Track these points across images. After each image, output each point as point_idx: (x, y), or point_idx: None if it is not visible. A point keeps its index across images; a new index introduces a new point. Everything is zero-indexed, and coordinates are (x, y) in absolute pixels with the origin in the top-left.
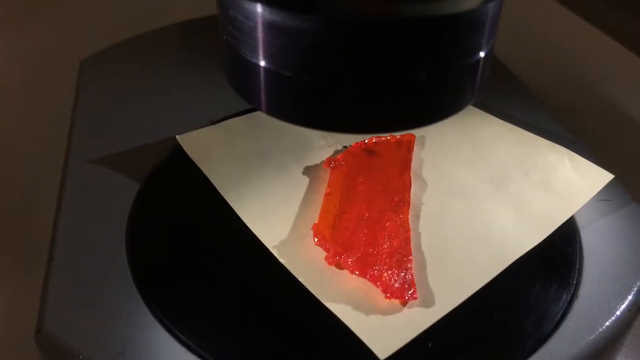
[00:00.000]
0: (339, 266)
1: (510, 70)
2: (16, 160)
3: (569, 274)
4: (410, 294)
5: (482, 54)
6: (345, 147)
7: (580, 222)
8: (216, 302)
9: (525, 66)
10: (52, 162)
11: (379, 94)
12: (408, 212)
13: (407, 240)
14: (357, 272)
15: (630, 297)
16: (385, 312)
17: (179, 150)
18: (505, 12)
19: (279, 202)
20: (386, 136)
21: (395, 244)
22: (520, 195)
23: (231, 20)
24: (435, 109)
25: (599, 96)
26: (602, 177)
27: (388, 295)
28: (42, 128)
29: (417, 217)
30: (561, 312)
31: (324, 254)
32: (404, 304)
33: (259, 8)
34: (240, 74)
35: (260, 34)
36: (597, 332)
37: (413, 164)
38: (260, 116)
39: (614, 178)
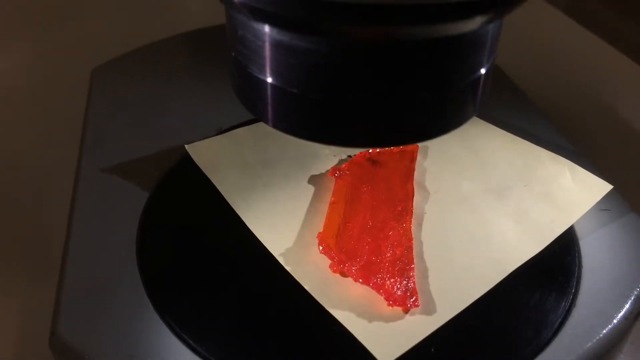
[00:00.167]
0: (343, 274)
1: (513, 80)
2: (29, 168)
3: (567, 283)
4: (412, 301)
5: (482, 71)
6: (349, 156)
7: (580, 232)
8: (224, 307)
9: (528, 76)
10: (64, 170)
11: (382, 111)
12: (411, 221)
13: (410, 249)
14: (360, 280)
15: (627, 306)
16: (387, 319)
17: (187, 159)
18: (508, 22)
19: (285, 210)
20: None
21: (397, 252)
22: (520, 206)
23: (240, 39)
24: (437, 124)
25: (600, 106)
26: (601, 188)
27: (390, 302)
28: (54, 136)
29: (420, 226)
30: (559, 320)
31: (329, 261)
32: (406, 311)
33: (266, 29)
34: (248, 89)
35: (267, 53)
36: (594, 340)
37: (416, 173)
38: (266, 126)
39: (613, 188)
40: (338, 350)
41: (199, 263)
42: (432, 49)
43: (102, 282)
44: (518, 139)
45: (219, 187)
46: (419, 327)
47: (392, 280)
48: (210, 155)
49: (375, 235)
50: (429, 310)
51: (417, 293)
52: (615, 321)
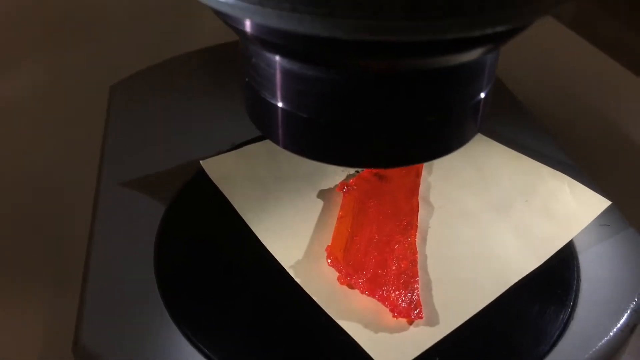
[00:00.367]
0: (350, 286)
1: (517, 96)
2: (52, 181)
3: (566, 296)
4: (416, 313)
5: (482, 95)
6: (357, 171)
7: (579, 246)
8: (236, 316)
9: (532, 91)
10: (85, 183)
11: (388, 134)
12: (415, 235)
13: (414, 262)
14: (367, 292)
15: (624, 319)
16: (392, 330)
17: (202, 173)
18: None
19: (295, 224)
20: None
21: (403, 265)
22: (521, 221)
23: (253, 66)
24: (441, 145)
25: (602, 121)
26: (600, 204)
27: (395, 314)
28: (75, 151)
29: (424, 239)
30: (558, 332)
31: (337, 274)
32: (411, 322)
33: (277, 58)
34: (260, 112)
35: (278, 79)
36: (591, 352)
37: (421, 188)
38: None
39: (611, 204)
40: (345, 359)
41: (213, 274)
42: (434, 78)
43: (122, 292)
44: (520, 155)
45: (232, 201)
46: (422, 338)
47: (397, 292)
48: (224, 170)
49: (382, 249)
50: (433, 321)
51: (421, 305)
52: (612, 334)
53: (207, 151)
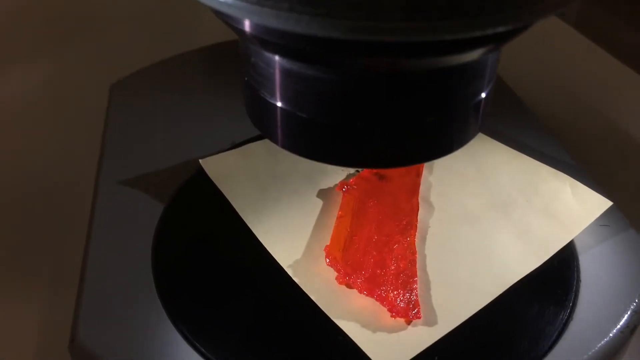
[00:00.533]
0: (349, 286)
1: (519, 95)
2: (50, 179)
3: (566, 297)
4: (415, 313)
5: (483, 95)
6: (357, 171)
7: (579, 247)
8: (234, 316)
9: (535, 91)
10: (84, 181)
11: (388, 134)
12: (415, 235)
13: (413, 262)
14: (365, 292)
15: (623, 320)
16: (390, 329)
17: (202, 172)
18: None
19: (294, 224)
20: None
21: (401, 265)
22: (521, 221)
23: (252, 66)
24: (441, 145)
25: (605, 122)
26: (601, 204)
27: (393, 314)
28: (74, 149)
29: (424, 239)
30: (557, 332)
31: (335, 273)
32: (409, 322)
33: (276, 58)
34: (259, 111)
35: (277, 79)
36: (590, 353)
37: (421, 188)
38: None
39: (612, 205)
40: (343, 359)
41: (211, 273)
42: (435, 78)
43: (119, 290)
44: (521, 155)
45: (231, 200)
46: (420, 338)
47: (395, 292)
48: (223, 169)
49: (381, 249)
50: (431, 321)
51: (419, 305)
52: (611, 335)
53: (207, 150)
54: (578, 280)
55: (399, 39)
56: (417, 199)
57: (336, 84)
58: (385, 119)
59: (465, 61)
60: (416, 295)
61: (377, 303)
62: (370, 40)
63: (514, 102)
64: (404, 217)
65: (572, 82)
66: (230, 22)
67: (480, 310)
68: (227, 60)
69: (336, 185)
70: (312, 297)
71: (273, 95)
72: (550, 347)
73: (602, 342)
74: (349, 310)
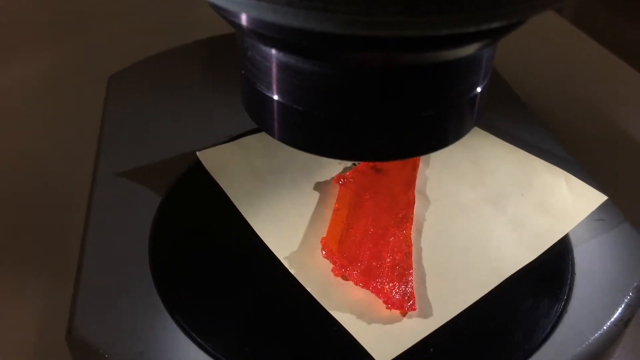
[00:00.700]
0: (345, 278)
1: (515, 90)
2: (48, 171)
3: (560, 290)
4: (410, 305)
5: (478, 89)
6: (354, 164)
7: (574, 241)
8: (230, 307)
9: (532, 85)
10: (82, 173)
11: (384, 128)
12: (411, 228)
13: (409, 254)
14: (361, 284)
15: (617, 313)
16: (386, 321)
17: (199, 165)
18: (515, 32)
19: (290, 216)
20: None
21: (397, 258)
22: (517, 214)
23: (249, 59)
24: (437, 139)
25: (601, 116)
26: (596, 198)
27: (389, 306)
28: (72, 141)
29: (420, 232)
30: (551, 325)
31: (331, 265)
32: (404, 314)
33: (273, 51)
34: (256, 105)
35: (274, 72)
36: (583, 345)
37: (418, 181)
38: None
39: (607, 199)
40: (338, 350)
41: (207, 264)
42: (430, 72)
43: (116, 281)
44: (517, 149)
45: (227, 193)
46: (415, 329)
47: (391, 284)
48: (220, 161)
49: (376, 241)
50: (426, 313)
51: (414, 297)
52: (605, 327)
53: (204, 142)
54: (573, 274)
55: (395, 33)
56: (414, 192)
57: (332, 77)
58: (381, 113)
59: (461, 55)
60: (411, 288)
61: (373, 295)
62: (367, 35)
63: (510, 97)
64: (400, 210)
65: (568, 77)
66: (227, 15)
67: (475, 302)
68: (225, 54)
69: (333, 178)
70: (308, 289)
71: (270, 88)
72: (545, 340)
73: (596, 335)
74: (344, 301)
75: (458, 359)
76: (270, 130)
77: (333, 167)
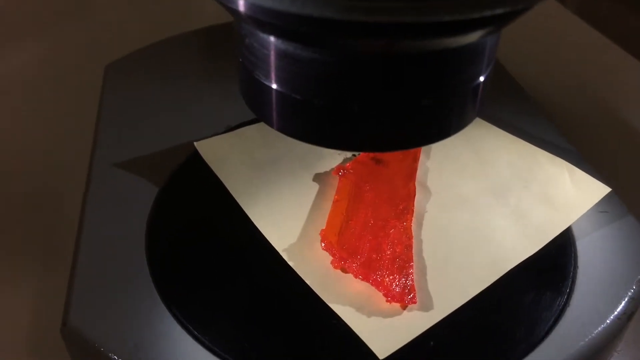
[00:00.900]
0: (344, 270)
1: (518, 81)
2: (44, 161)
3: (562, 283)
4: (410, 298)
5: (481, 79)
6: (354, 155)
7: (577, 233)
8: (227, 299)
9: (534, 76)
10: (78, 163)
11: (385, 117)
12: (411, 220)
13: (409, 247)
14: (360, 277)
15: (620, 307)
16: (385, 314)
17: (197, 155)
18: (517, 22)
19: (289, 207)
20: None
21: (397, 250)
22: (519, 207)
23: (246, 47)
24: (439, 129)
25: (604, 108)
26: (600, 190)
27: (389, 299)
28: (68, 130)
29: (420, 224)
30: (553, 319)
31: (331, 258)
32: (404, 307)
33: (271, 38)
34: (254, 94)
35: (272, 60)
36: (586, 339)
37: (418, 172)
38: None
39: (611, 191)
40: (337, 343)
41: (205, 257)
42: (432, 60)
43: (112, 274)
44: (519, 140)
45: (225, 184)
46: (415, 323)
47: (391, 277)
48: (218, 152)
49: (376, 233)
50: (426, 307)
51: (415, 290)
52: (608, 321)
53: (202, 133)
54: (575, 267)
55: (394, 19)
56: (414, 184)
57: (331, 65)
58: (381, 101)
59: (464, 43)
60: (412, 280)
61: (373, 288)
62: (365, 21)
63: (513, 88)
64: (400, 201)
65: (571, 68)
66: (224, 1)
67: (477, 295)
68: (224, 43)
69: (332, 169)
70: (307, 281)
71: (268, 77)
72: (547, 333)
73: (599, 329)
74: (344, 294)
75: (459, 353)
76: (269, 120)
77: (333, 158)
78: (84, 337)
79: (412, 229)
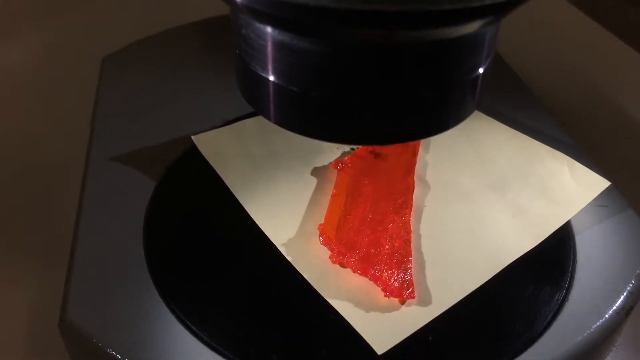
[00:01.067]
0: (342, 265)
1: (518, 74)
2: (41, 156)
3: (561, 277)
4: (409, 293)
5: (481, 70)
6: (352, 149)
7: (576, 227)
8: (226, 295)
9: (534, 70)
10: (75, 158)
11: (383, 109)
12: (410, 214)
13: (408, 241)
14: (359, 271)
15: (619, 301)
16: (384, 309)
17: (194, 149)
18: (518, 15)
19: (287, 202)
20: None
21: (396, 245)
22: (518, 200)
23: (243, 38)
24: (437, 121)
25: (604, 101)
26: (599, 184)
27: (387, 294)
28: (65, 124)
29: (419, 219)
30: (552, 313)
31: (329, 252)
32: (403, 302)
33: (268, 29)
34: (251, 86)
35: (269, 51)
36: (585, 334)
37: (417, 167)
38: None
39: (610, 185)
40: (335, 338)
41: (203, 252)
42: (431, 51)
43: (110, 268)
44: (519, 134)
45: (223, 178)
46: (414, 318)
47: (389, 272)
48: (216, 146)
49: (375, 228)
50: (425, 301)
51: (413, 285)
52: (607, 316)
53: (199, 126)
54: (574, 261)
55: (392, 8)
56: (413, 178)
57: (329, 56)
58: (379, 93)
59: (463, 33)
60: (410, 275)
61: (371, 282)
62: (363, 10)
63: (512, 81)
64: (399, 196)
65: (571, 61)
66: None
67: (475, 290)
68: (221, 35)
69: (331, 163)
70: (305, 276)
71: (265, 69)
72: (546, 328)
73: (598, 323)
74: (342, 289)
75: (458, 348)
76: (266, 113)
77: (331, 152)
78: (81, 332)
79: (411, 223)
